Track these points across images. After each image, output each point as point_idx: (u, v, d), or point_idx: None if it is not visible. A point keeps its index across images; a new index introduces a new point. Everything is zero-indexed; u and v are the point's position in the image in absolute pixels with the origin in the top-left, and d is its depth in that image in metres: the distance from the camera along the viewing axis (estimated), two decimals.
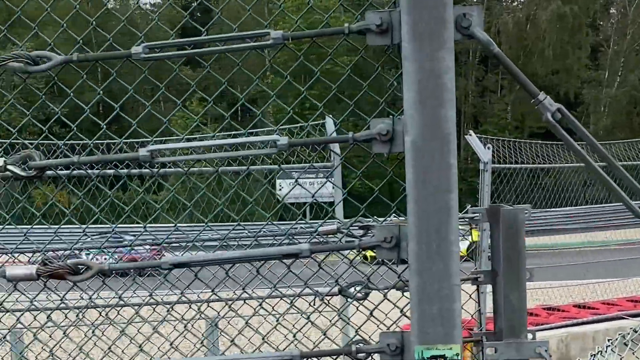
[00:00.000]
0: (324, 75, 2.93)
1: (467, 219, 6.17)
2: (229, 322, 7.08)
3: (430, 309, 2.28)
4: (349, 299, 3.48)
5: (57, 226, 4.55)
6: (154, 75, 3.30)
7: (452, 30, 2.26)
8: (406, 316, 2.51)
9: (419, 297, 2.28)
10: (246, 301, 5.27)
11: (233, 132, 11.39)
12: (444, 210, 2.26)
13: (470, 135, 10.26)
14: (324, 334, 3.12)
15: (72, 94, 3.32)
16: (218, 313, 6.34)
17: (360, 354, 2.57)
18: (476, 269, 5.61)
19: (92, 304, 5.08)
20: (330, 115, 10.49)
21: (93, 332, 3.94)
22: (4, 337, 6.56)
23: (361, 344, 2.58)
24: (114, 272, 2.68)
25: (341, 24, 2.59)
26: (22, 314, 4.61)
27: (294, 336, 3.28)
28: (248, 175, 10.00)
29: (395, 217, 3.23)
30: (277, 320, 3.73)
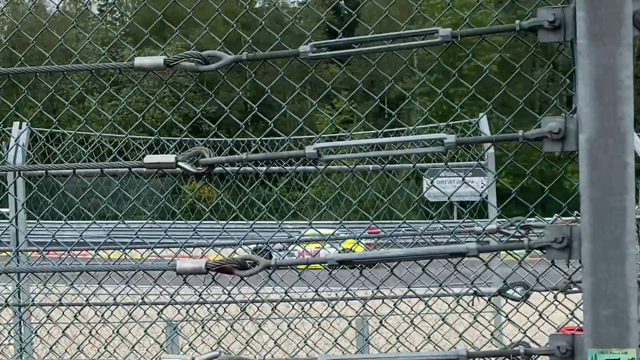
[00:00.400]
0: (472, 72, 2.86)
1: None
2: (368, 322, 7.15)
3: (605, 311, 2.23)
4: (508, 300, 3.42)
5: (224, 222, 4.72)
6: (301, 72, 3.32)
7: (631, 25, 2.21)
8: (576, 319, 2.45)
9: (593, 298, 2.24)
10: (402, 299, 5.28)
11: (381, 130, 11.44)
12: (619, 210, 2.22)
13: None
14: (492, 335, 3.10)
15: (239, 92, 3.36)
16: (357, 312, 6.39)
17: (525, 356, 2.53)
18: None
19: (279, 298, 5.21)
20: (487, 113, 10.35)
21: (260, 326, 4.05)
22: (174, 329, 6.84)
23: (521, 346, 2.53)
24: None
25: (488, 22, 2.55)
26: (191, 307, 4.79)
27: (460, 336, 3.26)
28: (393, 174, 10.02)
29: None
30: (442, 319, 3.73)
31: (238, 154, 3.06)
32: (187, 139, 11.40)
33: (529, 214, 3.08)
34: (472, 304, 4.11)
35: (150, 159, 2.84)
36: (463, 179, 3.52)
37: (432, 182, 4.71)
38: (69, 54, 3.51)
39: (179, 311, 5.99)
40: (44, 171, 3.25)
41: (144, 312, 5.92)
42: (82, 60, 3.35)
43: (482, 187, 10.58)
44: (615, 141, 2.22)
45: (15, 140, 7.88)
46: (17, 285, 6.80)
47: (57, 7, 3.47)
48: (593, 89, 2.22)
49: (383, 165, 5.71)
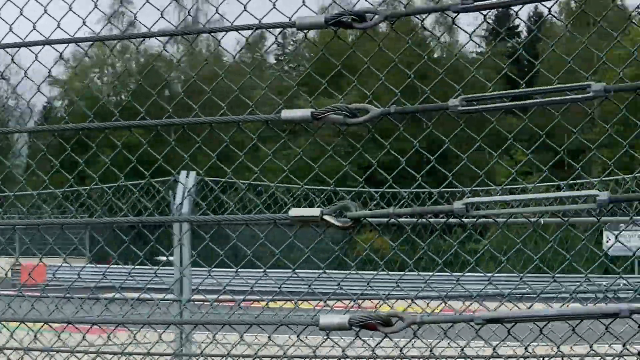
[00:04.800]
0: None
1: None
2: None
3: None
4: None
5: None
6: (476, 123, 3.26)
7: None
8: None
9: None
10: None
11: (556, 183, 11.23)
12: None
13: None
14: None
15: (416, 144, 3.31)
16: None
17: None
18: None
19: (402, 355, 5.10)
20: None
21: None
22: None
23: None
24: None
25: None
26: None
27: None
28: (573, 227, 9.60)
29: None
30: None
31: (385, 208, 3.10)
32: (363, 189, 11.48)
33: None
34: None
35: (295, 212, 2.91)
36: (616, 237, 3.26)
37: (616, 237, 4.48)
38: (242, 102, 3.62)
39: None
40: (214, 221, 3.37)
41: None
42: (256, 108, 3.42)
43: None
44: None
45: (188, 191, 8.01)
46: (183, 336, 6.92)
47: (234, 58, 3.55)
48: None
49: (567, 220, 5.44)
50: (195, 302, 7.82)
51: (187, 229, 6.93)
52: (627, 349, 3.25)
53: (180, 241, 7.24)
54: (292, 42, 57.60)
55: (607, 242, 19.27)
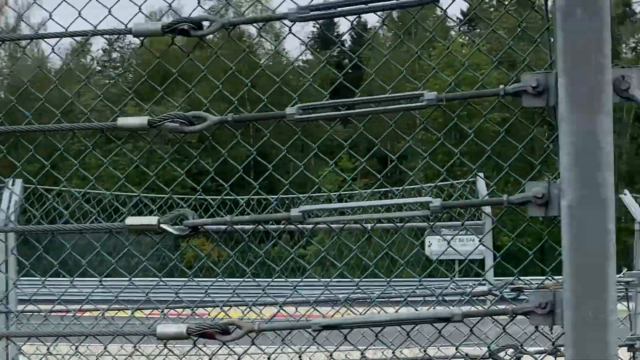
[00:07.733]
0: (473, 132, 2.95)
1: (622, 283, 5.73)
2: None
3: None
4: None
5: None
6: (303, 130, 3.24)
7: (611, 93, 2.19)
8: None
9: None
10: None
11: (383, 190, 11.71)
12: (600, 277, 2.18)
13: (625, 194, 9.58)
14: None
15: (225, 153, 3.32)
16: None
17: None
18: (632, 334, 5.74)
19: None
20: (481, 175, 10.86)
21: None
22: None
23: None
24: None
25: (491, 81, 2.38)
26: None
27: None
28: (396, 232, 9.81)
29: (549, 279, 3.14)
30: None
31: (222, 215, 3.38)
32: (200, 196, 11.67)
33: (513, 277, 3.23)
34: None
35: (132, 220, 2.90)
36: (448, 243, 3.95)
37: (449, 243, 4.45)
38: (69, 109, 2.93)
39: None
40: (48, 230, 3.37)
41: None
42: (83, 115, 2.85)
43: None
44: (595, 208, 2.18)
45: (9, 199, 7.80)
46: (11, 350, 6.53)
47: (70, 63, 3.63)
48: (573, 156, 2.19)
49: (370, 225, 5.42)
50: (25, 313, 7.49)
51: (16, 239, 6.63)
52: (459, 352, 3.43)
53: (11, 252, 6.81)
54: (117, 49, 54.70)
55: (429, 246, 19.63)
